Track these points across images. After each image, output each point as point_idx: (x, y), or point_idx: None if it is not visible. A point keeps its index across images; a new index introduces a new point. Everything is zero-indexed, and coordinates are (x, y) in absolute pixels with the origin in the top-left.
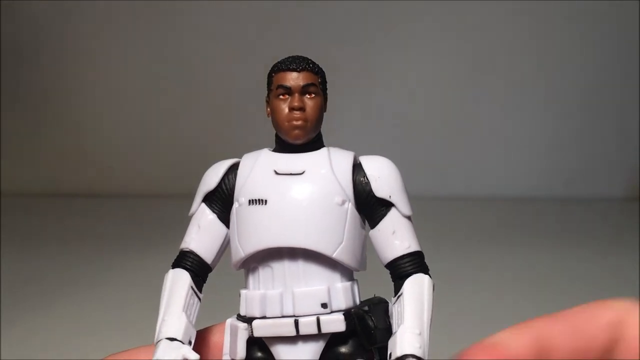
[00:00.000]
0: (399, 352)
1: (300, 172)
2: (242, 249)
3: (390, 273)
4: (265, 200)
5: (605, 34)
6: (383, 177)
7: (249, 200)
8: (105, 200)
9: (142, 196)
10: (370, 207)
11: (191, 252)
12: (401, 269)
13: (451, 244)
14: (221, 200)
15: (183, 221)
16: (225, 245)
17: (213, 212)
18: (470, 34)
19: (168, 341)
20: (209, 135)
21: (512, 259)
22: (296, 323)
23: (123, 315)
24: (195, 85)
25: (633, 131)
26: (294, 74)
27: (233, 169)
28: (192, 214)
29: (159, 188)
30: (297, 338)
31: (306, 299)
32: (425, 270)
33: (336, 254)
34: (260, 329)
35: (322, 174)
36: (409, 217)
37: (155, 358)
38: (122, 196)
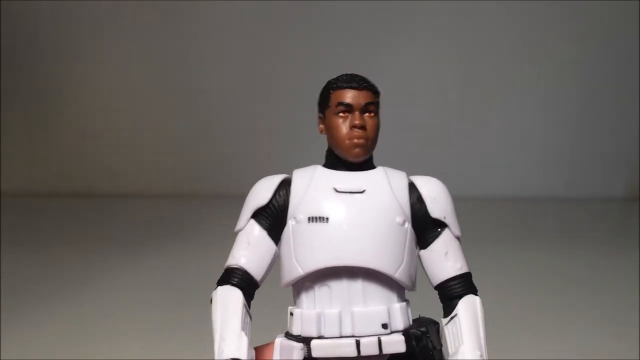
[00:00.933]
0: None
1: (361, 190)
2: (300, 267)
3: (440, 294)
4: (327, 218)
5: (605, 34)
6: (437, 198)
7: (309, 218)
8: (105, 200)
9: (142, 196)
10: (423, 227)
11: (240, 269)
12: (452, 290)
13: None
14: (271, 217)
15: (183, 221)
16: (273, 263)
17: (263, 228)
18: (469, 34)
19: None
20: (209, 135)
21: (512, 259)
22: (357, 344)
23: (123, 315)
24: (196, 86)
25: (633, 131)
26: (355, 92)
27: (284, 185)
28: (240, 230)
29: (159, 188)
30: (358, 359)
31: (367, 319)
32: (474, 291)
33: (397, 274)
34: (320, 349)
35: (383, 193)
36: (458, 238)
37: None
38: (122, 196)
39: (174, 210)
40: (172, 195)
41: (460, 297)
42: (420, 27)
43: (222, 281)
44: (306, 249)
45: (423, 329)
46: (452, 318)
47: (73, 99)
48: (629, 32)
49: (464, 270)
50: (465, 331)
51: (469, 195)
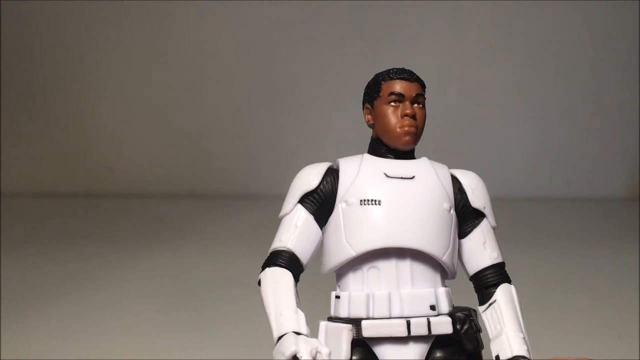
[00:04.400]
0: (509, 354)
1: (411, 176)
2: (352, 248)
3: (475, 283)
4: (379, 201)
5: (605, 34)
6: (477, 189)
7: (361, 200)
8: (105, 200)
9: (142, 196)
10: (463, 217)
11: (288, 251)
12: (489, 279)
13: None
14: (318, 202)
15: (183, 221)
16: (318, 248)
17: (309, 212)
18: (472, 34)
19: (295, 334)
20: (209, 135)
21: (512, 259)
22: (408, 324)
23: (123, 315)
24: (197, 86)
25: (633, 131)
26: (407, 83)
27: (330, 172)
28: (286, 214)
29: (159, 188)
30: (408, 339)
31: (416, 300)
32: (509, 280)
33: (444, 258)
34: (370, 329)
35: (431, 181)
36: (494, 228)
37: (286, 351)
38: (122, 196)
39: (174, 210)
40: (172, 195)
41: (496, 285)
42: (421, 27)
43: (269, 263)
44: (358, 230)
45: (466, 313)
46: (490, 304)
47: (73, 99)
48: (629, 33)
49: (500, 259)
50: (505, 316)
51: None
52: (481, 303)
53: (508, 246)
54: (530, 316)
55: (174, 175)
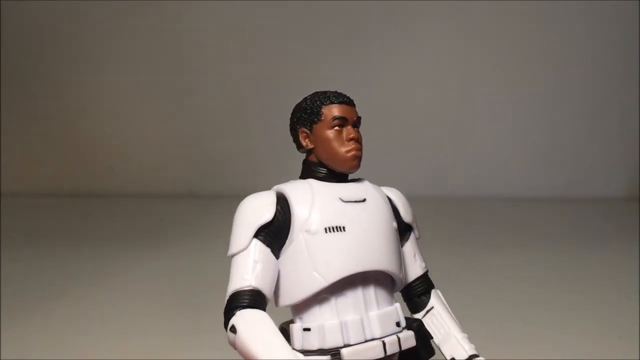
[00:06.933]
0: (465, 354)
1: (362, 199)
2: (323, 278)
3: (408, 291)
4: (343, 227)
5: (606, 35)
6: (406, 204)
7: (325, 228)
8: (105, 200)
9: (142, 196)
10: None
11: (254, 290)
12: (420, 287)
13: (450, 245)
14: (273, 234)
15: (183, 221)
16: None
17: (266, 246)
18: (470, 34)
19: None
20: (209, 136)
21: (512, 259)
22: (384, 344)
23: (123, 315)
24: (196, 87)
25: (633, 131)
26: (348, 107)
27: (280, 201)
28: (242, 250)
29: (159, 188)
30: (384, 359)
31: (385, 320)
32: (433, 285)
33: (401, 275)
34: (352, 355)
35: (379, 202)
36: (418, 239)
37: None
38: (122, 196)
39: (174, 210)
40: (172, 195)
41: (425, 292)
42: (422, 28)
43: (238, 305)
44: (327, 258)
45: (418, 323)
46: (428, 311)
47: (73, 100)
48: (629, 33)
49: (426, 268)
50: (446, 319)
51: (469, 196)
52: (415, 311)
53: (508, 246)
54: (531, 316)
55: (174, 175)
